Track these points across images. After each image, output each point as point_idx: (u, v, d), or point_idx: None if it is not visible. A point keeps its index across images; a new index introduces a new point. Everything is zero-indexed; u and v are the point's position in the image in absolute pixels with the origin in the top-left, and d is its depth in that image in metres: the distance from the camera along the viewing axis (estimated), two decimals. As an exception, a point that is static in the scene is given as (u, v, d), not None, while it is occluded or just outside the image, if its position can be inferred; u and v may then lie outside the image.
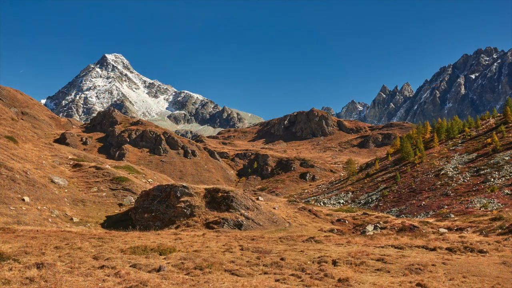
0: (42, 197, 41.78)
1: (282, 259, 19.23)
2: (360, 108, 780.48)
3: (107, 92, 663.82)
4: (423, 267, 18.61)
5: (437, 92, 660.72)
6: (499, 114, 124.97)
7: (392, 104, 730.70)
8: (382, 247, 26.09)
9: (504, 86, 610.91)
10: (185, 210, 39.98)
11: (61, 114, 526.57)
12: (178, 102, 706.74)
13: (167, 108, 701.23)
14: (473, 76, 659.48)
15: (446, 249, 25.43)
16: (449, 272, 18.13)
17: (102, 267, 15.59)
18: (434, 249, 25.34)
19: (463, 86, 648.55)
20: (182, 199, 41.02)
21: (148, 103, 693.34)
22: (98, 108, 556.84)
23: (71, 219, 40.08)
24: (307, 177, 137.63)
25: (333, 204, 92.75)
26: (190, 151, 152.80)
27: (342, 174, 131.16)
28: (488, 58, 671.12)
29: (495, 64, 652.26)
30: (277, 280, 15.01)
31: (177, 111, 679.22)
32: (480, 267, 19.53)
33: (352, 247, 25.86)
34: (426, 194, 79.88)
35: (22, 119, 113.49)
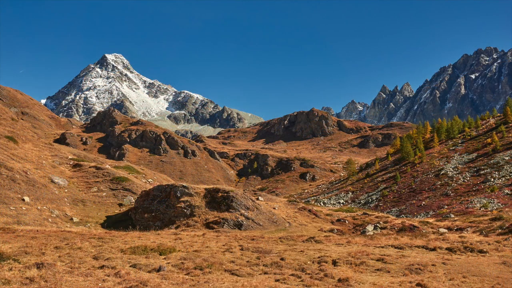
0: (42, 197, 41.79)
1: (282, 259, 19.23)
2: (360, 108, 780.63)
3: (107, 92, 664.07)
4: (423, 267, 18.62)
5: (437, 92, 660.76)
6: (499, 114, 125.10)
7: (392, 104, 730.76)
8: (382, 247, 26.10)
9: (504, 86, 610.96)
10: (185, 210, 39.98)
11: (61, 114, 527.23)
12: (178, 102, 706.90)
13: (167, 108, 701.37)
14: (473, 76, 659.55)
15: (446, 249, 25.45)
16: (449, 272, 18.14)
17: (102, 267, 15.60)
18: (434, 249, 25.36)
19: (463, 86, 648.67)
20: (182, 199, 41.03)
21: (148, 103, 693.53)
22: (98, 108, 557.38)
23: (71, 219, 40.10)
24: (307, 177, 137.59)
25: (333, 204, 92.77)
26: (190, 151, 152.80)
27: (342, 174, 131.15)
28: (488, 58, 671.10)
29: (495, 64, 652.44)
30: (277, 280, 15.02)
31: (177, 111, 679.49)
32: (480, 267, 19.54)
33: (352, 247, 25.87)
34: (426, 194, 79.90)
35: (22, 119, 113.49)
